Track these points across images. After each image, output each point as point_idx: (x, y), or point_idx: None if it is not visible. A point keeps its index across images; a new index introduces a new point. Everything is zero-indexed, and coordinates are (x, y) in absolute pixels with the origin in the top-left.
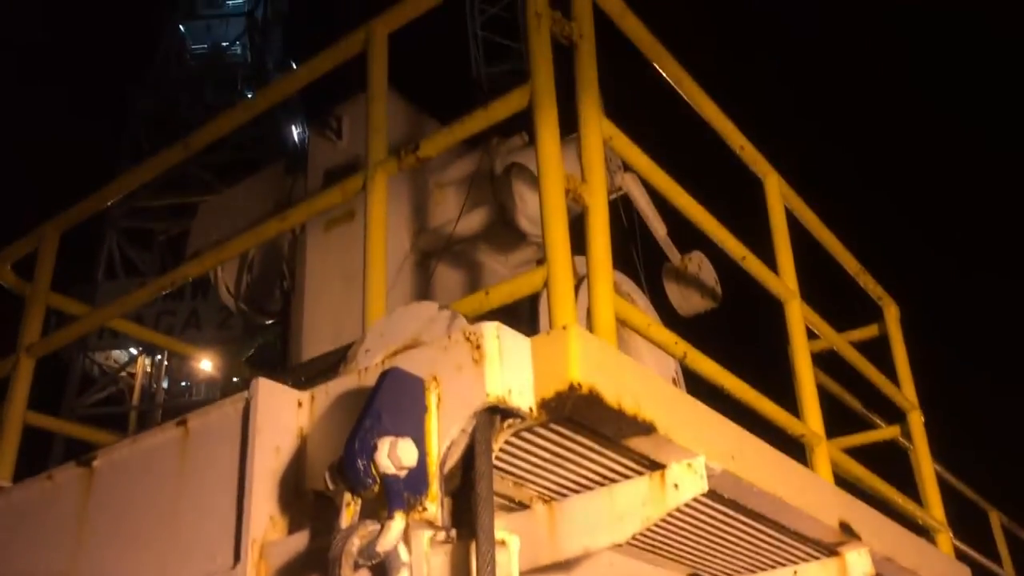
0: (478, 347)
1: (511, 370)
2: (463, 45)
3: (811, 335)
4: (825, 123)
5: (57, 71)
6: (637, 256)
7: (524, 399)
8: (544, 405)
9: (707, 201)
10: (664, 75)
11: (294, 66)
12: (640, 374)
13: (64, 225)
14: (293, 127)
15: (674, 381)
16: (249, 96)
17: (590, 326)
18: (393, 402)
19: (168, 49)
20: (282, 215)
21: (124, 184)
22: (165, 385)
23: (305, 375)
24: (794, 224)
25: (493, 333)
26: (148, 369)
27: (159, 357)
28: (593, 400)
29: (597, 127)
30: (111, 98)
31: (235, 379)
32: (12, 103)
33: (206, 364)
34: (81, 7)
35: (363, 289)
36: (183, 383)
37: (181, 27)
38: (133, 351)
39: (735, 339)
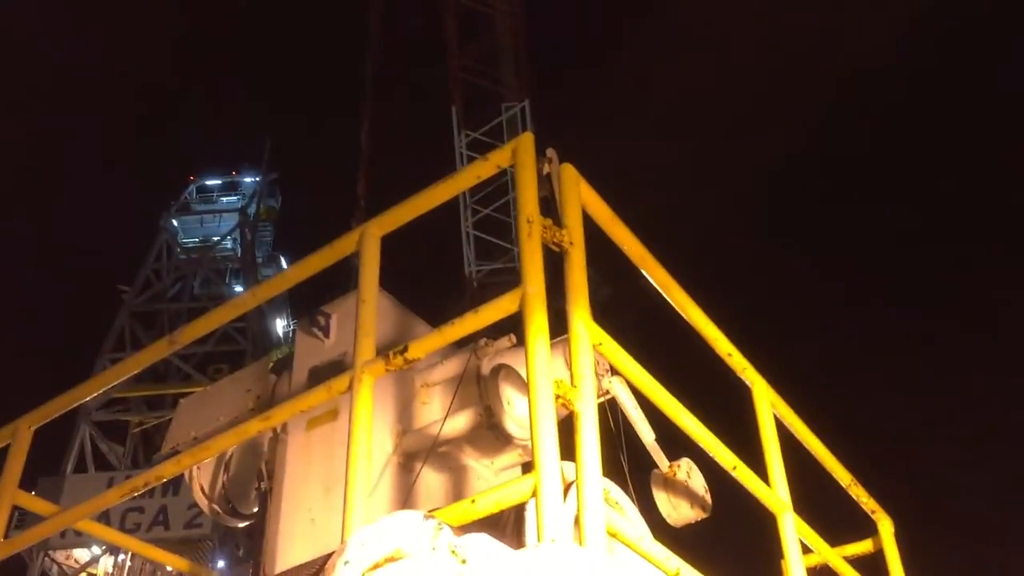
0: (464, 561)
1: None
2: (456, 241)
3: (805, 548)
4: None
5: (50, 263)
6: (624, 462)
7: None
8: None
9: (696, 407)
10: (652, 282)
11: (282, 260)
12: None
13: (39, 420)
14: (278, 320)
15: None
16: (238, 289)
17: (579, 538)
18: None
19: (160, 243)
20: (266, 414)
21: (107, 378)
22: None
23: None
24: (784, 432)
25: (480, 547)
26: (110, 570)
27: (122, 557)
28: None
29: (587, 334)
30: (99, 289)
31: None
32: None
33: (170, 569)
34: (76, 200)
35: (344, 494)
36: None
37: (174, 221)
38: (96, 550)
39: (725, 551)
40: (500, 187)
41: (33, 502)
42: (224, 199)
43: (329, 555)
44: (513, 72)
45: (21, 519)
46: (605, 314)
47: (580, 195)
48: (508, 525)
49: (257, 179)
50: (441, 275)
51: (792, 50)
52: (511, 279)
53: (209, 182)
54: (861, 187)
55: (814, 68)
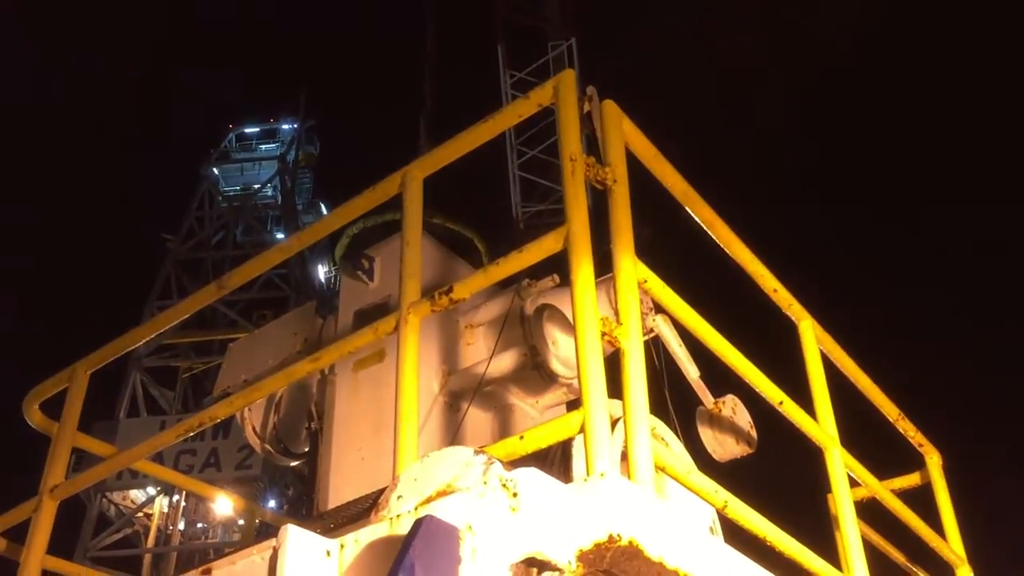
0: (515, 495)
1: (549, 520)
2: (503, 182)
3: (852, 483)
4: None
5: (96, 213)
6: (669, 400)
7: (562, 551)
8: (582, 558)
9: (741, 344)
10: (696, 219)
11: (322, 207)
12: (682, 525)
13: (95, 364)
14: (320, 266)
15: (711, 529)
16: (279, 236)
17: (627, 472)
18: (427, 552)
19: (202, 192)
20: (314, 356)
21: (158, 324)
22: (181, 527)
23: (335, 522)
24: (831, 368)
25: (531, 481)
26: (165, 510)
27: (176, 498)
28: (633, 553)
29: (632, 271)
30: (145, 240)
31: (257, 521)
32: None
33: (224, 506)
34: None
35: (395, 432)
36: (199, 525)
37: (215, 170)
38: (151, 491)
39: (772, 486)
40: (547, 127)
41: (93, 444)
42: (263, 147)
43: (382, 490)
44: (558, 9)
45: (77, 463)
46: (648, 254)
47: (623, 132)
48: (555, 462)
49: (295, 126)
50: (488, 217)
51: None
52: (557, 220)
53: (248, 130)
54: (932, 120)
55: None
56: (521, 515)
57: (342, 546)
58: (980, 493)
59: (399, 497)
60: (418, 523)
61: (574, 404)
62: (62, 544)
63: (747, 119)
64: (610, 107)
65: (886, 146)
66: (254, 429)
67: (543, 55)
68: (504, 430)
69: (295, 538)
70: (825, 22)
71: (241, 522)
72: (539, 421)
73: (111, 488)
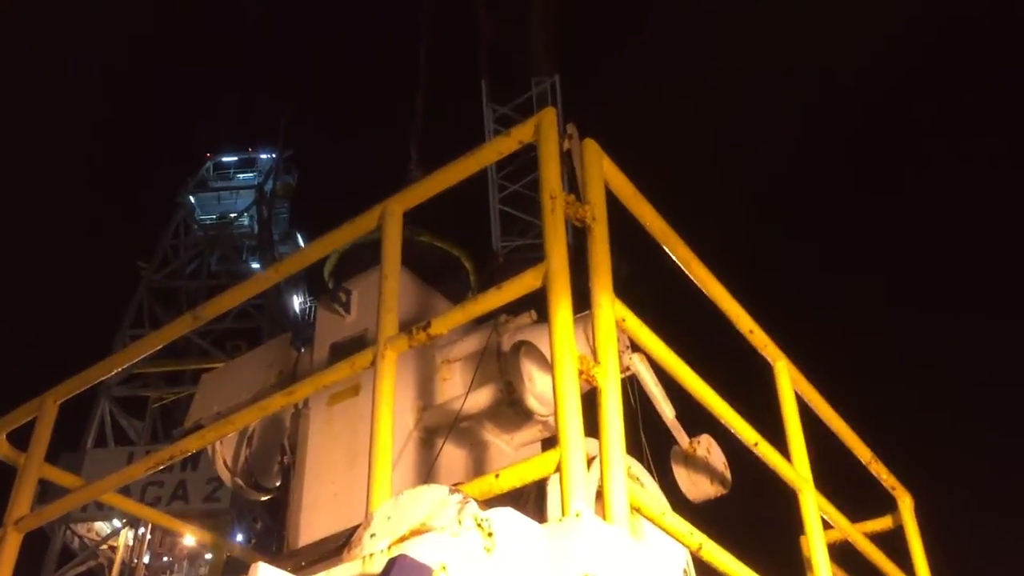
0: (490, 535)
1: (523, 560)
2: (484, 215)
3: (826, 525)
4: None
5: (67, 239)
6: (644, 439)
7: None
8: None
9: (718, 385)
10: (674, 258)
11: (299, 237)
12: (655, 567)
13: (64, 395)
14: (295, 297)
15: (684, 572)
16: (254, 266)
17: (602, 512)
18: None
19: (178, 220)
20: (290, 389)
21: (130, 354)
22: (146, 560)
23: (306, 560)
24: (805, 409)
25: (507, 521)
26: (130, 543)
27: (142, 530)
28: None
29: (610, 309)
30: (118, 270)
31: (227, 556)
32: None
33: (190, 539)
34: (92, 177)
35: (369, 468)
36: (165, 558)
37: (192, 198)
38: (117, 523)
39: (745, 528)
40: (528, 162)
41: (60, 475)
42: (241, 176)
43: (355, 528)
44: (543, 46)
45: (42, 494)
46: (625, 292)
47: (603, 171)
48: (529, 501)
49: (273, 156)
50: (470, 251)
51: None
52: (536, 255)
53: (226, 159)
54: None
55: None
56: (496, 555)
57: None
58: (952, 536)
59: (372, 535)
60: (391, 562)
61: (549, 442)
62: None
63: (734, 163)
64: (591, 146)
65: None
66: (225, 463)
67: (527, 91)
68: (479, 467)
69: None
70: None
71: (209, 556)
72: (514, 458)
73: (75, 520)
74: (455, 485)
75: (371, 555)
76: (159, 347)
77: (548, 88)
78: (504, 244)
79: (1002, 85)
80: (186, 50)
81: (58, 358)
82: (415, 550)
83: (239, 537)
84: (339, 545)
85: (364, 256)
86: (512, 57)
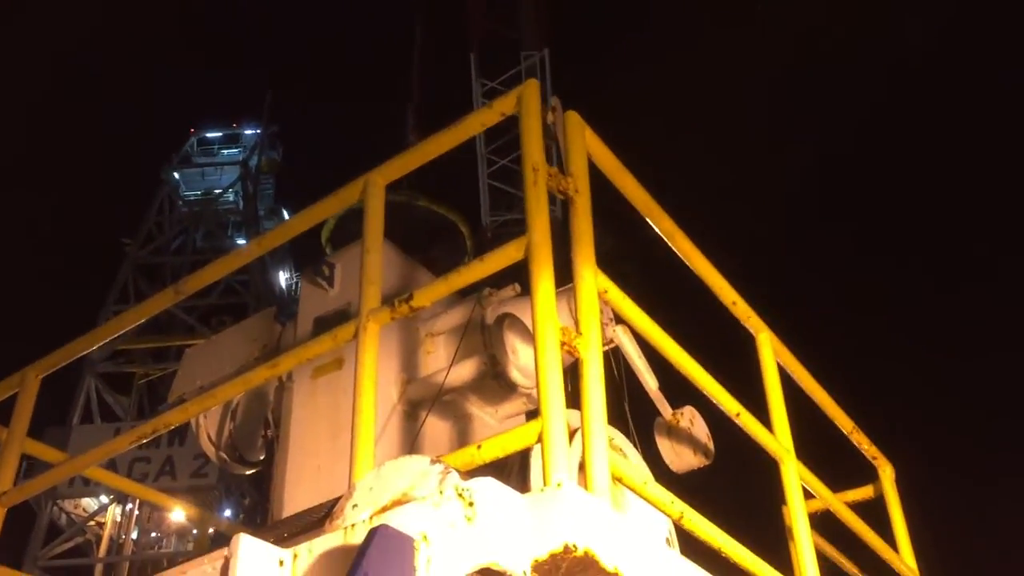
0: (471, 505)
1: (505, 529)
2: (473, 190)
3: (807, 495)
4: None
5: (53, 214)
6: (628, 410)
7: (517, 561)
8: (537, 568)
9: (700, 356)
10: (657, 231)
11: (284, 213)
12: (637, 536)
13: (46, 369)
14: (281, 273)
15: (667, 541)
16: (240, 242)
17: (584, 483)
18: (381, 562)
19: (162, 196)
20: (273, 362)
21: (112, 328)
22: (134, 536)
23: (288, 531)
24: (788, 380)
25: (487, 490)
26: (118, 519)
27: (130, 506)
28: (588, 563)
29: (592, 281)
30: (104, 244)
31: (211, 530)
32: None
33: (179, 514)
34: (77, 152)
35: (351, 440)
36: (153, 534)
37: (176, 174)
38: (104, 499)
39: (728, 497)
40: (518, 137)
41: (42, 450)
42: (225, 151)
43: (337, 499)
44: (533, 20)
45: (28, 470)
46: (609, 265)
47: (585, 142)
48: (513, 472)
49: (258, 131)
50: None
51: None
52: (524, 229)
53: (210, 134)
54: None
55: None
56: (477, 525)
57: (295, 556)
58: (932, 505)
59: (354, 506)
60: (372, 532)
61: (533, 414)
62: (10, 553)
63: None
64: (573, 118)
65: (865, 160)
66: (209, 437)
67: (518, 65)
68: (463, 439)
69: (247, 547)
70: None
71: (196, 531)
72: (498, 431)
73: (62, 496)
74: (437, 457)
75: (352, 525)
76: (141, 321)
77: (537, 62)
78: (493, 218)
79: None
80: (169, 28)
81: (43, 336)
82: (396, 520)
83: (227, 512)
84: (321, 516)
85: (361, 223)
86: (502, 32)
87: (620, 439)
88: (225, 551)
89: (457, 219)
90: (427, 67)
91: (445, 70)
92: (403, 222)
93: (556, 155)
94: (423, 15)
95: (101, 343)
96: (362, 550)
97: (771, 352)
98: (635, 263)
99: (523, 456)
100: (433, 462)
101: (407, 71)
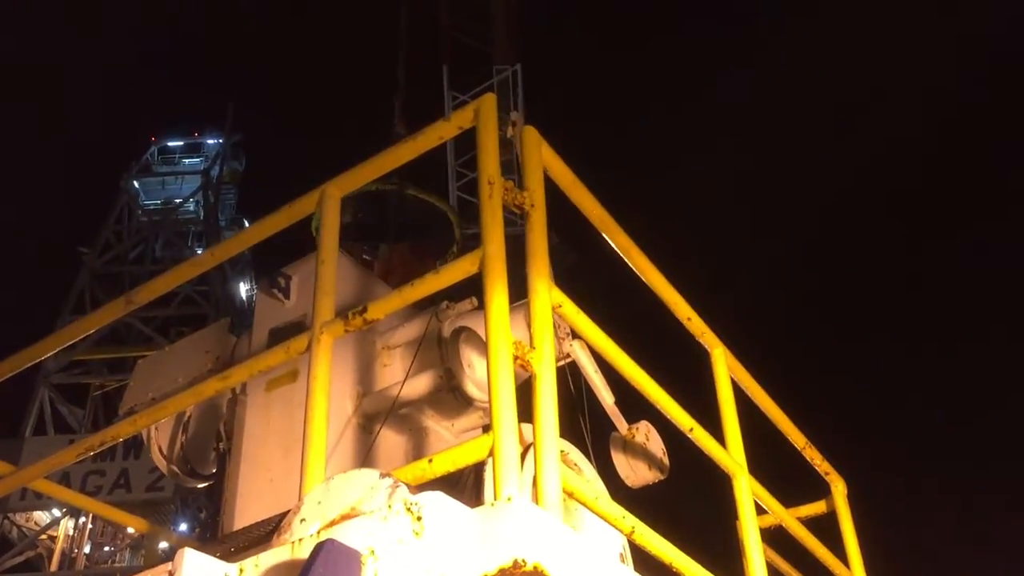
0: (419, 519)
1: (454, 544)
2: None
3: (759, 510)
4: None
5: (9, 221)
6: (584, 425)
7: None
8: None
9: (655, 371)
10: (612, 245)
11: (246, 223)
12: (589, 551)
13: None
14: (242, 284)
15: (621, 556)
16: (200, 252)
17: (536, 497)
18: None
19: (121, 205)
20: (224, 374)
21: (64, 337)
22: (87, 550)
23: (236, 546)
24: (741, 396)
25: (437, 505)
26: (70, 532)
27: (83, 519)
28: None
29: (546, 295)
30: (61, 254)
31: (165, 544)
32: None
33: (132, 529)
34: (37, 159)
35: (302, 453)
36: (106, 548)
37: (135, 183)
38: (56, 512)
39: (682, 512)
40: None
41: None
42: (186, 161)
43: (285, 513)
44: (505, 34)
45: None
46: (572, 281)
47: (541, 157)
48: (467, 486)
49: (220, 141)
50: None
51: None
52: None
53: (171, 143)
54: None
55: None
56: (425, 539)
57: (241, 570)
58: (883, 521)
59: (302, 520)
60: (319, 547)
61: (489, 428)
62: None
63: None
64: (530, 133)
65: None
66: (160, 449)
67: (490, 79)
68: (418, 453)
69: (191, 562)
70: None
71: (146, 545)
72: (454, 445)
73: (13, 509)
74: (387, 471)
75: (300, 540)
76: (91, 331)
77: (510, 76)
78: (462, 231)
79: None
80: (132, 31)
81: None
82: (344, 534)
83: (183, 526)
84: (269, 530)
85: (349, 213)
86: (475, 45)
87: (576, 454)
88: (169, 566)
89: (446, 209)
90: (413, 56)
91: (434, 57)
92: (393, 211)
93: (517, 169)
94: (409, 9)
95: (51, 352)
96: (308, 565)
97: (725, 368)
98: (599, 279)
99: (478, 471)
100: (383, 476)
101: (392, 60)
